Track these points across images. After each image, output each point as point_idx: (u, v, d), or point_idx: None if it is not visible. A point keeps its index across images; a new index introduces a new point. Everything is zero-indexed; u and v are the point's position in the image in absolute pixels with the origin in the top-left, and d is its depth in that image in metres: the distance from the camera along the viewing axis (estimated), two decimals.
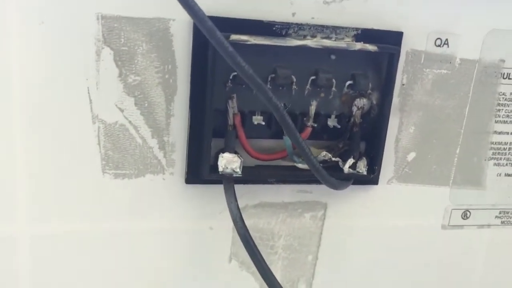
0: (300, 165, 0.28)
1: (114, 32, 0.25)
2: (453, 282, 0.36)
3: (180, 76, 0.27)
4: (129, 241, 0.29)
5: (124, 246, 0.29)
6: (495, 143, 0.33)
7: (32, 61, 0.25)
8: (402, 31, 0.29)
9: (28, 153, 0.26)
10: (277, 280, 0.28)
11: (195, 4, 0.22)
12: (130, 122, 0.27)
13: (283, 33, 0.27)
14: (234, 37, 0.25)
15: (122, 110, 0.27)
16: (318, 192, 0.31)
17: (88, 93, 0.26)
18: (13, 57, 0.25)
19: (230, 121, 0.27)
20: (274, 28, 0.27)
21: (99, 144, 0.27)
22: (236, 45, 0.25)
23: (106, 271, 0.30)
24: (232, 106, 0.27)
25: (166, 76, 0.27)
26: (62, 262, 0.29)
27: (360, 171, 0.29)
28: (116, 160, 0.28)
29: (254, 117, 0.28)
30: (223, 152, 0.27)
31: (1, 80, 0.25)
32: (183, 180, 0.29)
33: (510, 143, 0.33)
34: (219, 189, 0.28)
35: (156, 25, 0.26)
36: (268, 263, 0.31)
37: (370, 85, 0.28)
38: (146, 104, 0.27)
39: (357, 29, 0.28)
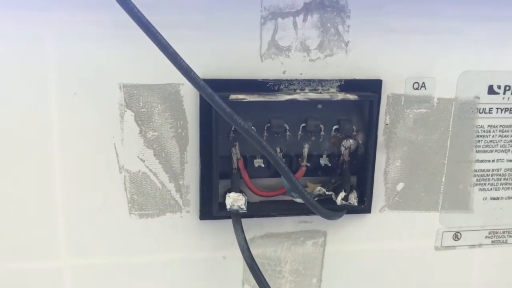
0: (297, 200, 0.33)
1: (134, 97, 0.31)
2: None
3: (190, 130, 0.32)
4: (155, 271, 0.34)
5: (151, 276, 0.34)
6: (478, 171, 0.37)
7: (68, 124, 0.31)
8: (381, 79, 0.33)
9: (68, 199, 0.32)
10: None
11: (197, 76, 0.27)
12: (150, 170, 0.32)
13: (276, 89, 0.32)
14: (232, 96, 0.30)
15: (143, 161, 0.32)
16: (317, 221, 0.35)
17: (115, 148, 0.31)
18: (53, 120, 0.30)
19: (234, 165, 0.32)
20: (267, 85, 0.31)
21: (125, 190, 0.32)
22: (235, 103, 0.30)
23: None
24: (235, 153, 0.32)
25: (179, 131, 0.32)
26: None
27: (352, 203, 0.33)
28: (140, 202, 0.33)
29: (255, 160, 0.32)
30: (229, 192, 0.32)
31: (44, 139, 0.31)
32: (198, 217, 0.33)
33: (492, 169, 0.37)
34: (229, 223, 0.33)
35: (168, 89, 0.31)
36: (276, 286, 0.35)
37: (354, 128, 0.32)
38: (163, 154, 0.32)
39: (340, 80, 0.32)
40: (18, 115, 0.30)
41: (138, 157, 0.32)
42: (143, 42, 0.26)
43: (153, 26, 0.26)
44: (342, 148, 0.33)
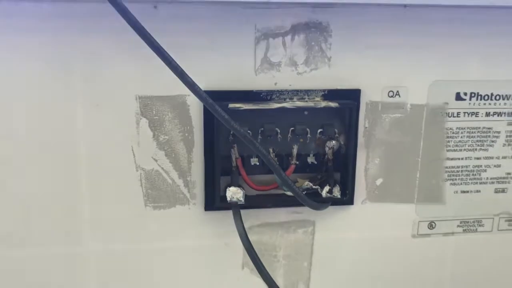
0: (288, 193, 0.38)
1: (148, 106, 0.36)
2: (425, 282, 0.44)
3: (196, 134, 0.37)
4: (166, 255, 0.40)
5: (163, 259, 0.40)
6: (449, 167, 0.41)
7: (92, 130, 0.36)
8: (360, 88, 0.38)
9: (92, 193, 0.37)
10: (275, 282, 0.38)
11: (200, 89, 0.32)
12: (162, 168, 0.38)
13: (268, 98, 0.37)
14: (231, 105, 0.36)
15: (156, 160, 0.37)
16: (307, 212, 0.40)
17: (132, 150, 0.37)
18: (79, 127, 0.36)
19: (234, 164, 0.37)
20: (261, 95, 0.37)
21: (141, 185, 0.38)
22: (233, 110, 0.35)
23: (152, 278, 0.40)
24: (234, 153, 0.37)
25: (186, 135, 0.37)
26: (120, 273, 0.40)
27: (335, 195, 0.38)
28: (154, 196, 0.38)
29: (251, 159, 0.38)
30: (229, 186, 0.37)
31: (72, 141, 0.36)
32: (203, 208, 0.39)
33: (461, 166, 0.42)
34: (230, 213, 0.38)
35: (177, 100, 0.36)
36: (272, 269, 0.41)
37: (336, 130, 0.38)
38: (173, 155, 0.38)
39: (324, 90, 0.38)
40: (52, 122, 0.36)
41: (152, 157, 0.37)
42: (155, 61, 0.31)
43: (164, 50, 0.31)
44: (326, 148, 0.38)
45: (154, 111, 0.36)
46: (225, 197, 0.37)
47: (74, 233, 0.38)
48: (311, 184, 0.38)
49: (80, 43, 0.34)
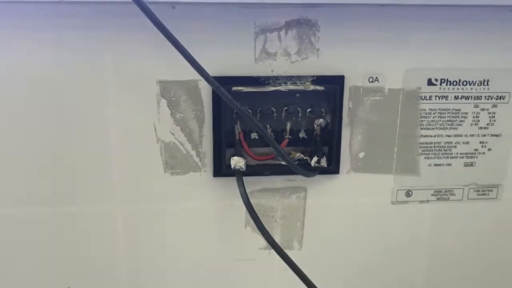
0: (283, 163, 0.45)
1: (167, 89, 0.44)
2: (403, 243, 0.51)
3: (206, 112, 0.45)
4: (181, 214, 0.48)
5: (179, 218, 0.48)
6: (423, 143, 0.48)
7: (121, 109, 0.44)
8: (344, 75, 0.45)
9: (121, 161, 0.45)
10: (272, 237, 0.45)
11: (209, 75, 0.40)
12: (178, 141, 0.45)
13: (266, 83, 0.44)
14: (234, 88, 0.43)
15: (173, 134, 0.45)
16: (299, 180, 0.48)
17: (154, 125, 0.45)
18: (110, 107, 0.44)
19: (237, 137, 0.45)
20: (260, 80, 0.44)
21: (161, 155, 0.46)
22: (236, 92, 0.43)
23: (170, 233, 0.48)
24: (237, 128, 0.45)
25: (198, 113, 0.45)
26: (144, 229, 0.48)
27: (322, 165, 0.46)
28: (172, 164, 0.46)
29: (252, 134, 0.45)
30: (233, 156, 0.45)
31: (104, 118, 0.44)
32: (212, 174, 0.46)
33: (434, 143, 0.48)
34: (234, 179, 0.45)
35: (190, 84, 0.44)
36: (270, 228, 0.48)
37: (323, 110, 0.45)
38: (187, 130, 0.45)
39: (313, 76, 0.45)
40: (90, 102, 0.44)
41: (170, 131, 0.45)
42: (173, 52, 0.39)
43: (180, 43, 0.39)
44: (315, 125, 0.45)
45: (171, 93, 0.44)
46: (229, 165, 0.45)
47: (105, 193, 0.46)
48: (302, 155, 0.46)
49: (111, 38, 0.42)
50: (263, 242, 0.48)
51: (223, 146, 0.45)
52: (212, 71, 0.42)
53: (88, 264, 0.48)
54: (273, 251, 0.44)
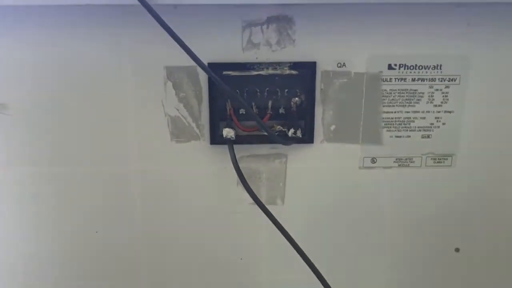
0: (266, 134, 0.56)
1: (172, 74, 0.55)
2: (369, 202, 0.60)
3: (203, 92, 0.55)
4: (185, 175, 0.59)
5: (183, 179, 0.59)
6: (385, 118, 0.57)
7: (136, 89, 0.55)
8: (316, 61, 0.55)
9: (136, 131, 0.57)
10: (255, 195, 0.55)
11: (202, 62, 0.50)
12: (181, 115, 0.56)
13: (251, 68, 0.54)
14: (224, 72, 0.54)
15: (178, 110, 0.56)
16: (281, 148, 0.58)
17: (162, 102, 0.56)
18: (128, 89, 0.55)
19: (228, 112, 0.55)
20: (246, 66, 0.54)
21: (168, 126, 0.57)
22: (226, 76, 0.53)
23: (177, 191, 0.59)
24: (228, 105, 0.55)
25: (197, 92, 0.56)
26: (156, 186, 0.59)
27: (298, 135, 0.56)
28: (177, 134, 0.57)
29: (240, 110, 0.55)
30: (225, 128, 0.55)
31: (123, 97, 0.56)
32: (209, 143, 0.57)
33: (395, 118, 0.57)
34: (227, 147, 0.56)
35: (191, 69, 0.55)
36: (257, 187, 0.59)
37: (297, 91, 0.55)
38: (188, 106, 0.56)
39: (290, 62, 0.54)
40: (110, 84, 0.55)
41: (175, 107, 0.56)
42: (176, 44, 0.50)
43: (179, 38, 0.49)
44: (292, 103, 0.55)
45: (175, 77, 0.55)
46: (222, 135, 0.56)
47: (122, 156, 0.58)
48: (281, 127, 0.56)
49: (126, 32, 0.53)
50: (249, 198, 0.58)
51: (217, 119, 0.56)
52: (207, 59, 0.53)
53: (111, 212, 0.60)
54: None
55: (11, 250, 0.61)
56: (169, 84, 0.55)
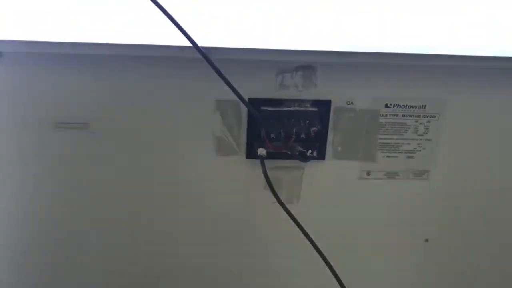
0: (289, 152, 0.73)
1: (220, 104, 0.71)
2: (365, 203, 0.79)
3: (243, 119, 0.72)
4: (226, 180, 0.76)
5: (225, 182, 0.76)
6: (380, 143, 0.75)
7: (192, 118, 0.72)
8: (331, 99, 0.71)
9: (192, 146, 0.73)
10: (277, 194, 0.73)
11: (240, 95, 0.66)
12: (225, 136, 0.73)
13: (282, 104, 0.71)
14: (263, 107, 0.70)
15: (223, 132, 0.73)
16: (300, 163, 0.75)
17: (211, 126, 0.72)
18: (185, 118, 0.72)
19: (262, 135, 0.72)
20: (279, 102, 0.71)
21: (215, 144, 0.73)
22: (264, 110, 0.70)
23: (220, 192, 0.77)
24: (262, 130, 0.72)
25: (238, 119, 0.72)
26: (205, 189, 0.77)
27: (314, 155, 0.73)
28: (221, 150, 0.74)
29: (271, 134, 0.72)
30: (259, 148, 0.72)
31: (178, 124, 0.72)
32: (245, 157, 0.74)
33: (388, 143, 0.75)
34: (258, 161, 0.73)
35: (235, 102, 0.71)
36: (280, 190, 0.77)
37: (316, 122, 0.72)
38: (231, 130, 0.73)
39: (311, 100, 0.71)
40: (177, 109, 0.71)
41: (221, 130, 0.73)
42: (223, 85, 0.65)
43: (226, 79, 0.65)
44: (311, 131, 0.72)
45: (223, 107, 0.71)
46: (256, 152, 0.73)
47: (176, 169, 0.75)
48: (301, 148, 0.73)
49: (191, 73, 0.69)
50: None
51: (253, 140, 0.73)
52: (249, 95, 0.69)
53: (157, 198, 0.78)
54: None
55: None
56: (217, 112, 0.72)
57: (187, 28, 0.63)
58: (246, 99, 0.68)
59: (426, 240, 0.83)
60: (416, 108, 0.73)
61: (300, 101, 0.71)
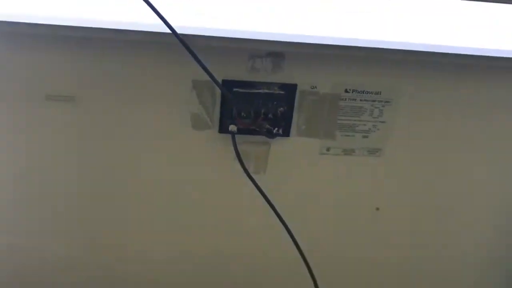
0: (257, 129, 0.81)
1: (196, 84, 0.78)
2: (324, 176, 0.89)
3: (217, 99, 0.80)
4: (200, 149, 0.84)
5: (200, 151, 0.84)
6: (340, 124, 0.84)
7: (171, 95, 0.79)
8: (297, 83, 0.79)
9: (170, 120, 0.81)
10: (246, 169, 0.82)
11: (214, 77, 0.74)
12: (201, 113, 0.81)
13: (253, 86, 0.79)
14: (235, 89, 0.78)
15: (198, 109, 0.80)
16: (267, 139, 0.84)
17: (187, 104, 0.80)
18: (164, 92, 0.79)
19: (234, 113, 0.80)
20: (250, 84, 0.78)
21: (191, 120, 0.81)
22: (236, 91, 0.78)
23: (194, 160, 0.85)
24: (234, 109, 0.80)
25: (212, 98, 0.80)
26: (181, 158, 0.85)
27: (280, 133, 0.82)
28: (197, 125, 0.82)
29: (242, 113, 0.80)
30: (230, 124, 0.81)
31: (160, 104, 0.79)
32: (218, 132, 0.82)
33: (346, 124, 0.84)
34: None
35: (209, 83, 0.78)
36: (249, 162, 0.86)
37: (283, 103, 0.80)
38: (206, 107, 0.80)
39: (279, 83, 0.79)
40: (158, 91, 0.78)
41: (197, 107, 0.80)
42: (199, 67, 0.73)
43: (202, 63, 0.72)
44: (278, 111, 0.81)
45: (198, 87, 0.78)
46: (228, 128, 0.81)
47: (154, 137, 0.83)
48: (269, 126, 0.82)
49: (171, 57, 0.76)
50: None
51: (226, 117, 0.81)
52: (221, 77, 0.76)
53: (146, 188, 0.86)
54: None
55: None
56: (194, 91, 0.79)
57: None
58: (220, 81, 0.76)
59: (377, 209, 0.94)
60: (372, 93, 0.82)
61: (269, 84, 0.79)
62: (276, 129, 0.82)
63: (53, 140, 0.82)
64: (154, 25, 0.70)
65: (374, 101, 0.83)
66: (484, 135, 0.88)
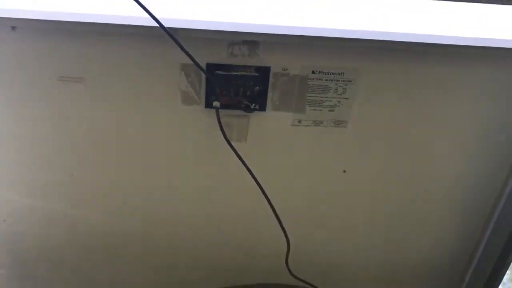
0: (237, 105, 0.96)
1: (184, 67, 0.92)
2: (296, 145, 1.03)
3: (203, 78, 0.94)
4: (189, 122, 0.99)
5: (188, 124, 0.99)
6: (308, 100, 0.98)
7: (165, 76, 0.93)
8: (270, 66, 0.93)
9: (162, 96, 0.96)
10: (227, 137, 0.97)
11: (196, 61, 0.88)
12: (189, 90, 0.95)
13: (232, 69, 0.92)
14: (217, 72, 0.92)
15: (187, 87, 0.95)
16: (245, 113, 0.98)
17: (178, 82, 0.94)
18: (159, 74, 0.93)
19: (217, 91, 0.94)
20: (229, 67, 0.92)
21: (180, 96, 0.96)
22: (217, 74, 0.92)
23: (184, 131, 1.00)
24: (217, 88, 0.94)
25: (199, 78, 0.94)
26: (170, 129, 1.00)
27: (256, 107, 0.96)
28: (185, 100, 0.96)
29: (224, 92, 0.94)
30: (214, 101, 0.95)
31: (154, 85, 0.94)
32: (204, 107, 0.97)
33: (314, 100, 0.98)
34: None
35: (195, 68, 0.92)
36: (231, 132, 1.01)
37: (258, 83, 0.94)
38: (194, 86, 0.94)
39: (255, 66, 0.93)
40: (151, 74, 0.93)
41: (185, 85, 0.94)
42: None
43: (185, 49, 0.86)
44: (254, 90, 0.95)
45: (186, 69, 0.92)
46: (212, 104, 0.95)
47: (150, 111, 0.97)
48: (247, 103, 0.96)
49: (164, 44, 0.89)
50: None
51: (210, 94, 0.95)
52: (205, 61, 0.90)
53: (143, 173, 1.01)
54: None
55: None
56: (183, 72, 0.93)
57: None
58: (205, 64, 0.90)
59: (344, 171, 1.09)
60: (336, 74, 0.95)
61: (246, 67, 0.93)
62: (254, 104, 0.96)
63: (66, 113, 0.97)
64: (148, 19, 0.83)
65: (338, 80, 0.96)
66: (434, 108, 1.02)
